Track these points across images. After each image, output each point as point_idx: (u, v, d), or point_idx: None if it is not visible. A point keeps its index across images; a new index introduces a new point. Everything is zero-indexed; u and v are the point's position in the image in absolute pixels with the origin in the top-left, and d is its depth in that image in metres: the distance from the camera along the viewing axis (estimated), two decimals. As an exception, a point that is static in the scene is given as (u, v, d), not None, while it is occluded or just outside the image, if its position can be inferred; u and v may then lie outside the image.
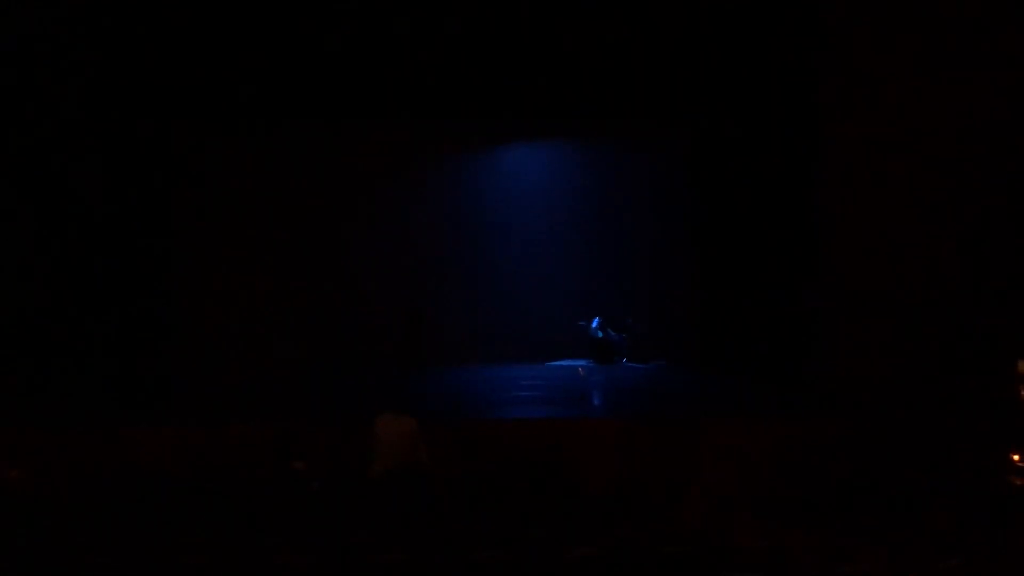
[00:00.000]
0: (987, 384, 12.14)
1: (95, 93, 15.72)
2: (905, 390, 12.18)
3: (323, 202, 18.15)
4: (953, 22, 12.75)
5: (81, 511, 7.60)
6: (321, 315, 18.14)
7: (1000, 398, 11.76)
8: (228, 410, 12.77)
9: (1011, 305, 12.58)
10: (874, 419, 11.38)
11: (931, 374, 12.37)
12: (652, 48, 15.32)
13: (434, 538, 6.84)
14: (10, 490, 8.58)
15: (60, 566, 6.01)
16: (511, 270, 18.51)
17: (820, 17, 13.30)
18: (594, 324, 17.17)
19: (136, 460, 10.44)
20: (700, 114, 17.01)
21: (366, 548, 6.53)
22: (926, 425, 11.01)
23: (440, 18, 15.02)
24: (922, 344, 12.55)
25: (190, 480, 9.06)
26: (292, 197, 18.07)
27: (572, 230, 18.50)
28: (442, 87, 16.10)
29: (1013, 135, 12.74)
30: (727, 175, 16.66)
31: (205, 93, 16.32)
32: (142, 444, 10.76)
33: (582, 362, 17.08)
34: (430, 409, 12.84)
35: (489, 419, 11.61)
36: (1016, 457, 9.97)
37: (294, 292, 18.13)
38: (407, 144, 18.21)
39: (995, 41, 12.74)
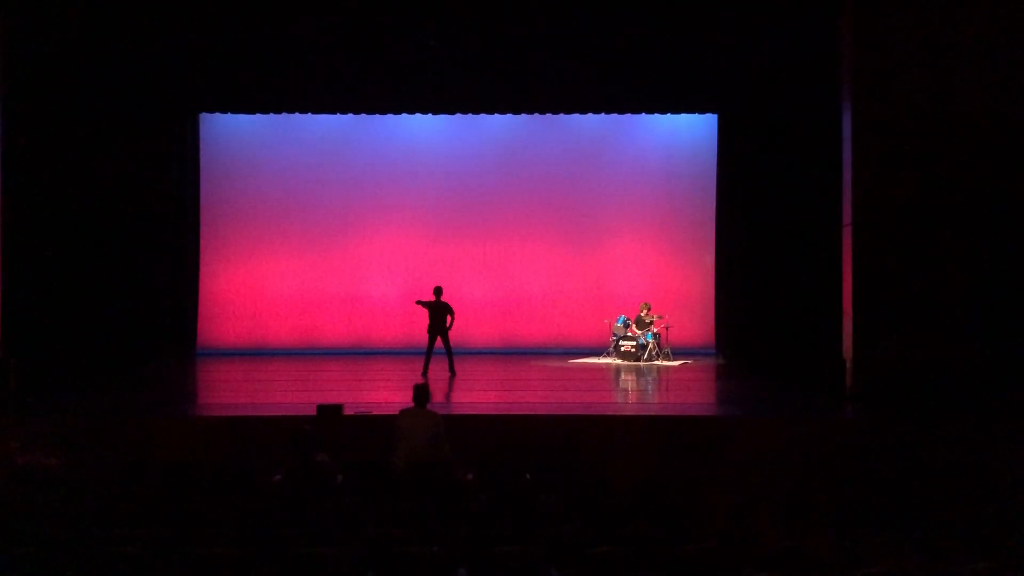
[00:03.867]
0: (1016, 382, 12.01)
1: (123, 87, 15.86)
2: (932, 388, 12.07)
3: (340, 192, 18.27)
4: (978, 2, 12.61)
5: (114, 500, 7.67)
6: (345, 304, 18.34)
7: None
8: (255, 401, 12.86)
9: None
10: (901, 418, 11.29)
11: (959, 372, 12.25)
12: (678, 32, 15.27)
13: (456, 532, 6.85)
14: (47, 478, 8.67)
15: (91, 553, 6.07)
16: (530, 262, 18.53)
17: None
18: (619, 322, 17.13)
19: (165, 451, 10.53)
20: (726, 104, 16.97)
21: (390, 541, 6.55)
22: (953, 424, 10.91)
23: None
24: (950, 342, 12.42)
25: (217, 470, 9.11)
26: (311, 186, 18.22)
27: (594, 224, 18.47)
28: (465, 74, 16.09)
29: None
30: (752, 170, 16.59)
31: (225, 83, 16.46)
32: (172, 435, 10.86)
33: (605, 360, 17.06)
34: (453, 401, 12.88)
35: (512, 413, 11.60)
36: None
37: (316, 279, 18.32)
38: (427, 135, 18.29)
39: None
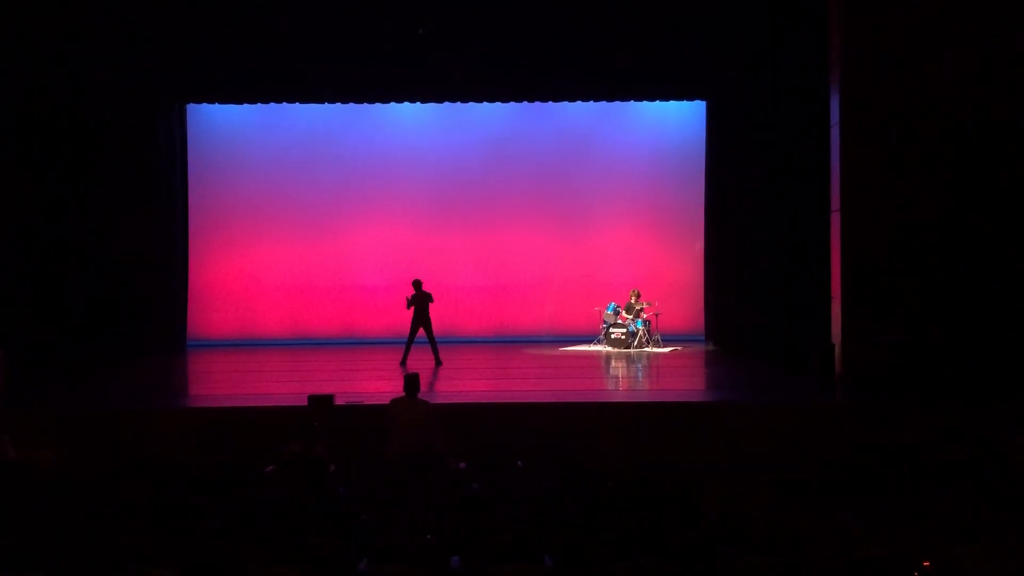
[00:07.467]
0: (1003, 366, 12.09)
1: (109, 78, 15.78)
2: (921, 372, 12.14)
3: (328, 182, 18.26)
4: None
5: (108, 492, 7.67)
6: (335, 294, 18.37)
7: (1017, 382, 11.72)
8: (246, 392, 12.85)
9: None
10: (890, 402, 11.36)
11: (947, 355, 12.32)
12: (667, 18, 15.27)
13: (449, 520, 6.87)
14: (41, 470, 8.66)
15: (85, 547, 6.07)
16: (520, 250, 18.54)
17: None
18: (609, 309, 17.16)
19: (157, 443, 10.53)
20: (714, 91, 16.99)
21: (385, 531, 6.57)
22: (942, 407, 10.98)
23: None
24: (938, 328, 12.49)
25: (211, 462, 9.12)
26: (299, 176, 18.21)
27: (583, 212, 18.48)
28: (454, 62, 16.03)
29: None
30: (741, 156, 16.60)
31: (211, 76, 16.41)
32: (164, 427, 10.85)
33: (596, 347, 17.10)
34: (445, 389, 12.90)
35: (504, 401, 11.63)
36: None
37: (306, 269, 18.33)
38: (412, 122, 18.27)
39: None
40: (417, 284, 14.92)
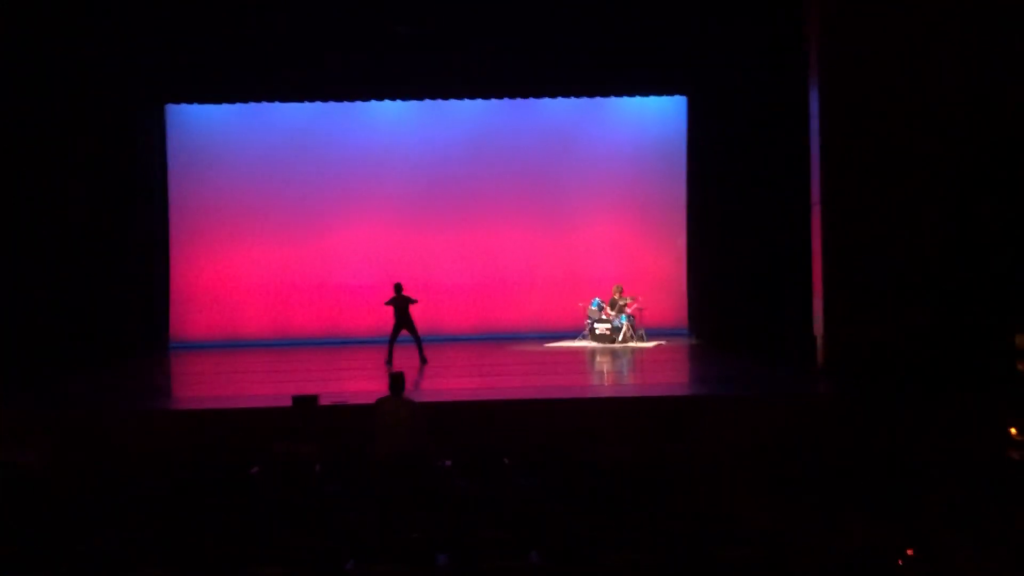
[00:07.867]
0: (985, 358, 12.17)
1: (88, 79, 15.68)
2: (902, 363, 12.20)
3: (310, 181, 18.21)
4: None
5: (94, 494, 7.63)
6: (318, 293, 18.33)
7: (998, 372, 11.80)
8: (230, 393, 12.81)
9: (1008, 278, 12.58)
10: (872, 393, 11.42)
11: (929, 349, 12.39)
12: (647, 14, 15.29)
13: (436, 518, 6.87)
14: (26, 473, 8.62)
15: (72, 549, 6.04)
16: (503, 247, 18.54)
17: None
18: (593, 305, 17.18)
19: (142, 445, 10.47)
20: (695, 86, 17.03)
21: (371, 530, 6.57)
22: (925, 400, 11.04)
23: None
24: (919, 319, 12.56)
25: (198, 462, 9.09)
26: (281, 176, 18.14)
27: (566, 208, 18.50)
28: (434, 59, 16.00)
29: (1009, 99, 12.69)
30: (722, 151, 16.64)
31: (196, 74, 16.32)
32: (148, 429, 10.80)
33: (581, 343, 17.12)
34: (430, 387, 12.88)
35: (489, 398, 11.62)
36: (1014, 431, 10.02)
37: (288, 269, 18.28)
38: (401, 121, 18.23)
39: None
40: (398, 288, 14.94)
